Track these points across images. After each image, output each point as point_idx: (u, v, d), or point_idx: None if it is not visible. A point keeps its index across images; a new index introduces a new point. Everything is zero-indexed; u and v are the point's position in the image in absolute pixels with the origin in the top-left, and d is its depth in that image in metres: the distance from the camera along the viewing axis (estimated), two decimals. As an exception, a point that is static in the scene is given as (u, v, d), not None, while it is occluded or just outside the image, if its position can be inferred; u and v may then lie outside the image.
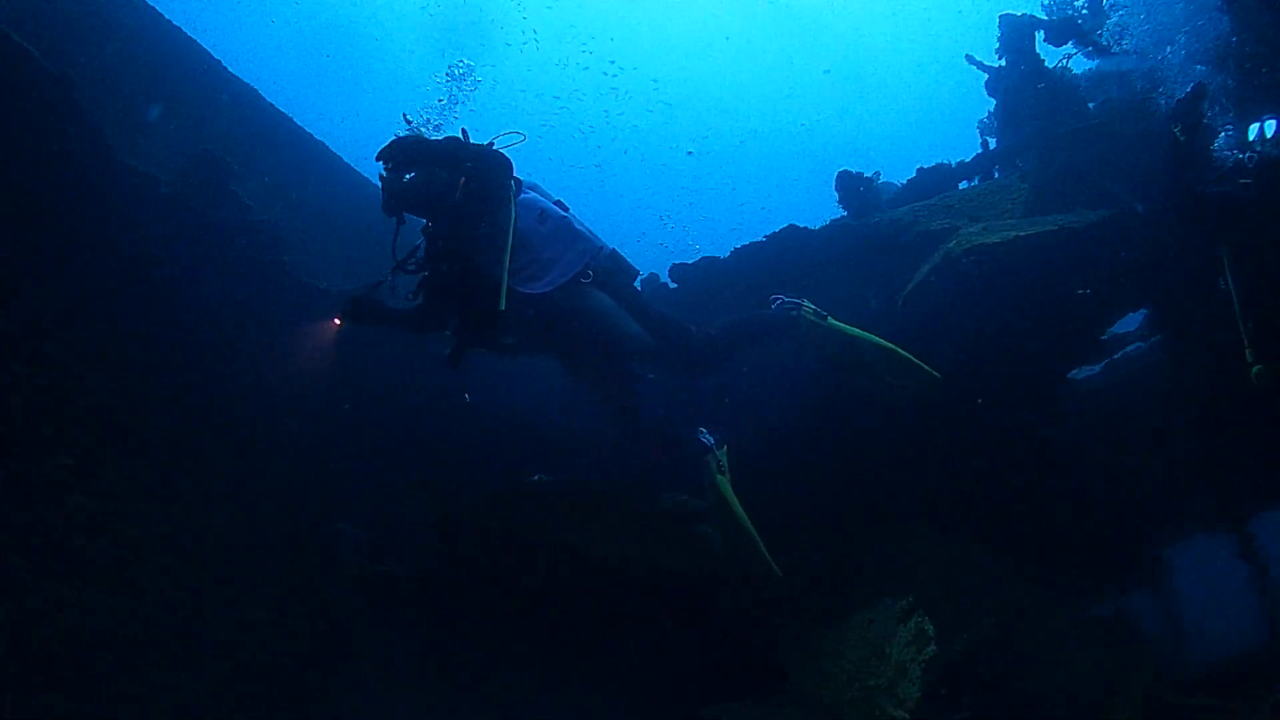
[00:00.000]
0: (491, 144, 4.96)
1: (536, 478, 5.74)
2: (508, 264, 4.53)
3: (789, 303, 5.28)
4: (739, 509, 4.98)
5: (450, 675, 6.63)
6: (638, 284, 5.57)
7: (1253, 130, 4.94)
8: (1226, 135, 5.44)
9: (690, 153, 33.35)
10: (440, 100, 5.56)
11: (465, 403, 5.29)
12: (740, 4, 36.82)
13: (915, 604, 5.13)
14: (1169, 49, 6.51)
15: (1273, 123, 4.88)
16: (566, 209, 5.19)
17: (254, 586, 6.21)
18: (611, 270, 5.02)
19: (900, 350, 5.21)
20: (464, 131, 4.90)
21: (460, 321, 4.88)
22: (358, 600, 6.51)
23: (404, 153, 4.59)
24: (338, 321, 5.29)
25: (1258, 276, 4.98)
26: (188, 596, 5.77)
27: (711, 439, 5.22)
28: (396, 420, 6.57)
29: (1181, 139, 4.89)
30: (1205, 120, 4.98)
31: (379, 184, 4.92)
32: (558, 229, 4.85)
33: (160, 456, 5.80)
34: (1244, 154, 4.96)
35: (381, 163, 4.75)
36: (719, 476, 5.14)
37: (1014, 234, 5.78)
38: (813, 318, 5.23)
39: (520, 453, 6.42)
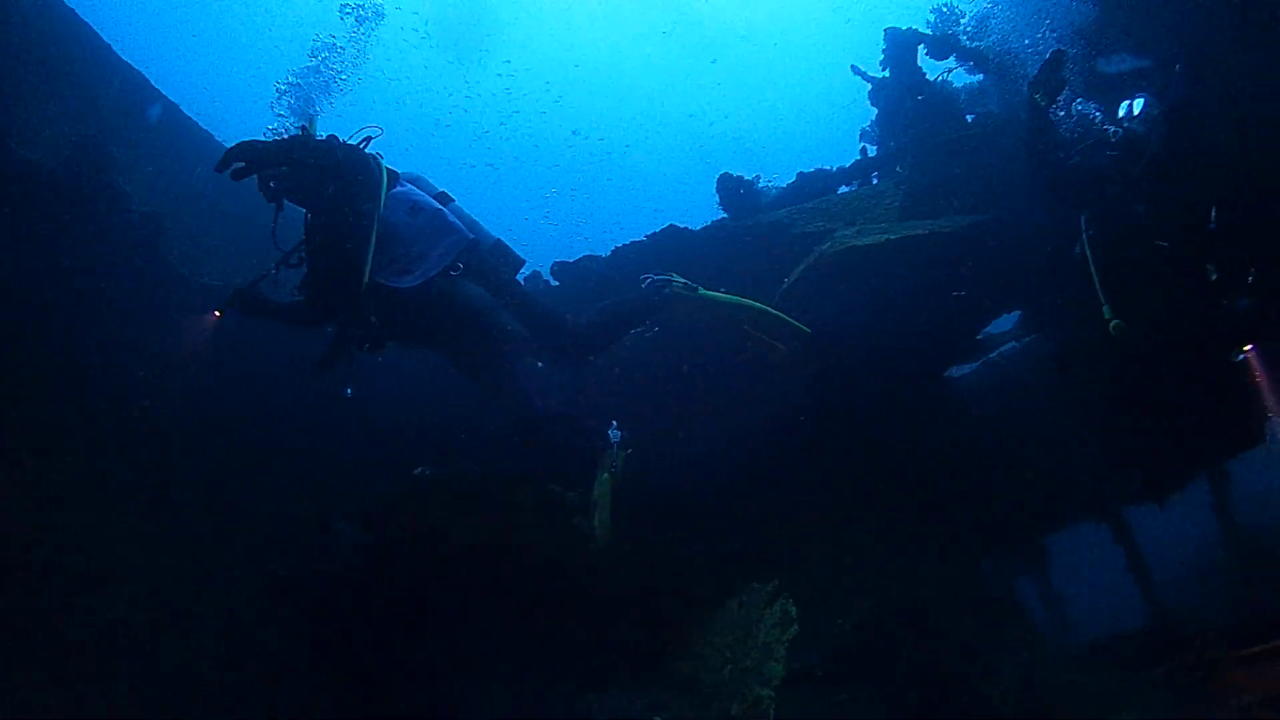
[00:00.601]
0: (368, 140, 5.00)
1: (419, 471, 5.81)
2: (371, 256, 4.56)
3: (658, 280, 5.43)
4: (606, 515, 5.13)
5: (342, 671, 6.65)
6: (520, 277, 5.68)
7: (1123, 108, 5.25)
8: (1089, 112, 5.71)
9: (575, 132, 33.75)
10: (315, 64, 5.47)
11: (347, 398, 5.32)
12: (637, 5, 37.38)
13: (780, 588, 5.37)
14: (1037, 34, 6.88)
15: (1139, 101, 5.21)
16: (450, 200, 5.25)
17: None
18: (490, 261, 5.09)
19: (768, 308, 5.47)
20: (304, 129, 4.89)
21: (336, 317, 4.91)
22: (251, 601, 6.47)
23: (244, 158, 4.46)
24: (217, 314, 5.29)
25: (1114, 239, 5.29)
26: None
27: (618, 435, 5.36)
28: (280, 417, 6.54)
29: (1042, 104, 5.14)
30: (1064, 87, 5.19)
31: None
32: (430, 222, 4.89)
33: (29, 457, 5.69)
34: (1110, 128, 5.27)
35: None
36: (604, 475, 5.29)
37: (885, 237, 6.08)
38: (683, 290, 5.40)
39: (406, 447, 6.47)
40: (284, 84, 5.67)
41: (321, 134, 5.16)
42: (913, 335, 6.97)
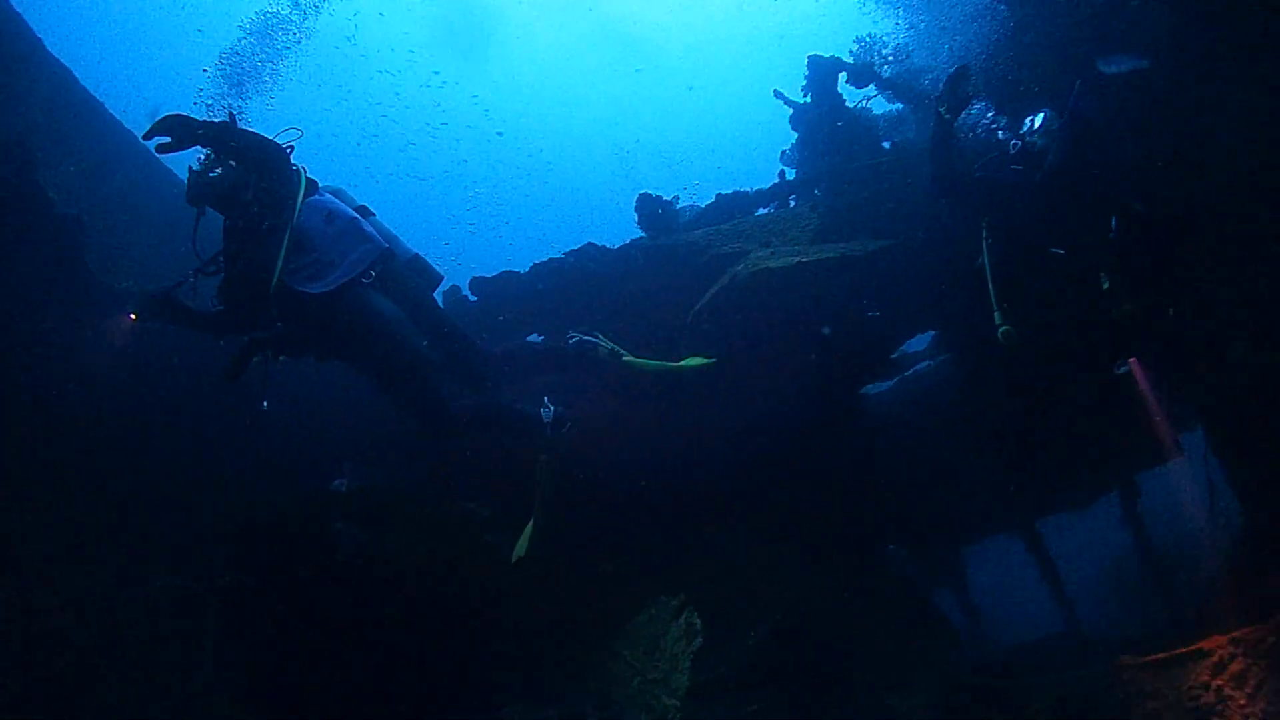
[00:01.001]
0: (290, 147, 5.01)
1: (337, 484, 5.84)
2: (282, 259, 4.59)
3: (586, 342, 5.48)
4: (549, 493, 5.25)
5: (252, 685, 6.59)
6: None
7: (1026, 123, 5.41)
8: (994, 126, 5.79)
9: (499, 134, 34.19)
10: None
11: (263, 410, 5.31)
12: (572, 22, 38.05)
13: (686, 601, 5.51)
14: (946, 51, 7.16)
15: (1040, 116, 5.35)
16: (370, 214, 5.28)
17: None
18: (404, 275, 5.12)
19: (680, 365, 5.57)
20: (232, 116, 4.85)
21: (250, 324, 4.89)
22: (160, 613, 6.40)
23: (171, 132, 4.44)
24: (133, 317, 5.20)
25: (1010, 250, 5.47)
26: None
27: (550, 412, 5.38)
28: (197, 426, 6.52)
29: (946, 116, 5.28)
30: (968, 102, 5.34)
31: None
32: (345, 231, 4.92)
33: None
34: (1012, 140, 5.41)
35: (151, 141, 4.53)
36: (541, 456, 5.36)
37: (797, 259, 6.28)
38: (608, 357, 5.45)
39: (324, 457, 6.50)
40: (213, 68, 5.59)
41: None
42: (828, 353, 7.22)
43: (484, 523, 5.58)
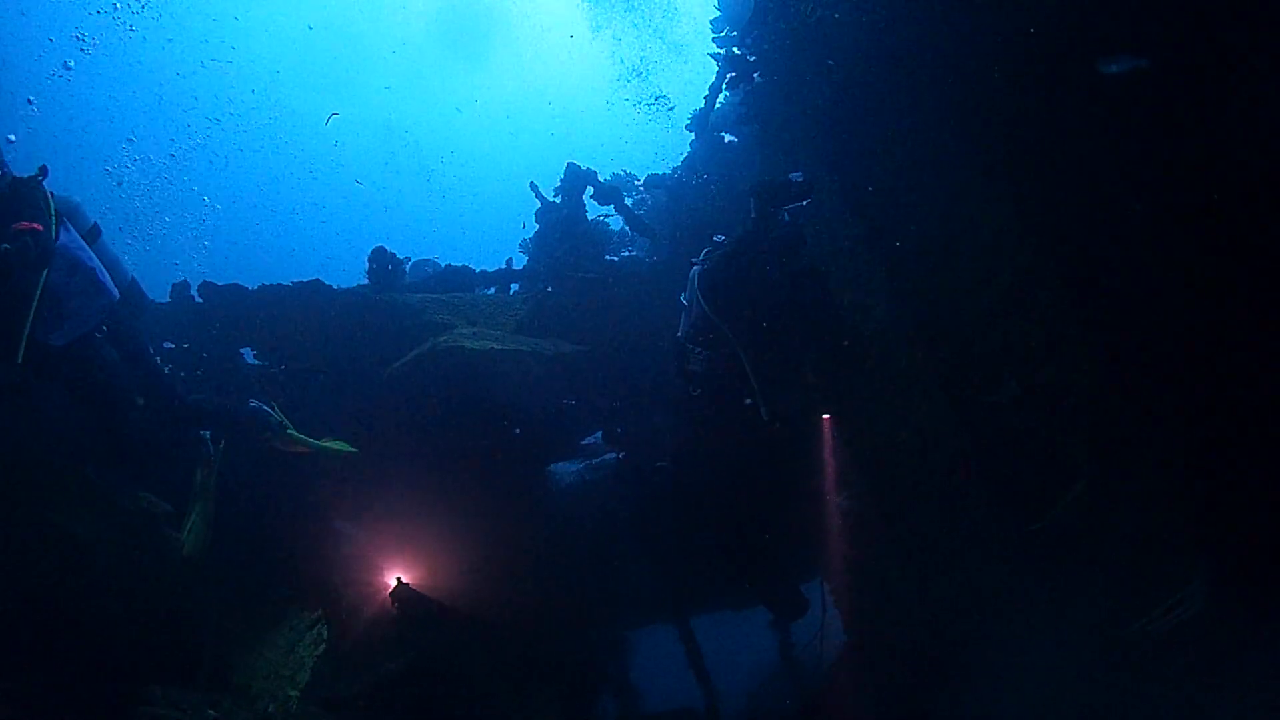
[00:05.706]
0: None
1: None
2: (32, 316, 5.40)
3: (262, 410, 6.88)
4: (209, 499, 6.58)
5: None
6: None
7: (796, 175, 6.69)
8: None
9: (358, 182, 36.19)
10: None
11: None
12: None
13: (321, 618, 6.97)
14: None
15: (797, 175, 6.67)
16: (99, 235, 6.20)
17: None
18: (122, 314, 6.19)
19: (326, 445, 7.17)
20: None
21: None
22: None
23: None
24: None
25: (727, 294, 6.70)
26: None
27: (207, 433, 6.68)
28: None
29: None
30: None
31: None
32: (85, 283, 5.80)
33: None
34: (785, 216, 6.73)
35: None
36: (199, 470, 6.68)
37: (491, 345, 8.01)
38: (276, 426, 6.91)
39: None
40: None
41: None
42: (515, 428, 8.88)
43: (163, 517, 6.76)
